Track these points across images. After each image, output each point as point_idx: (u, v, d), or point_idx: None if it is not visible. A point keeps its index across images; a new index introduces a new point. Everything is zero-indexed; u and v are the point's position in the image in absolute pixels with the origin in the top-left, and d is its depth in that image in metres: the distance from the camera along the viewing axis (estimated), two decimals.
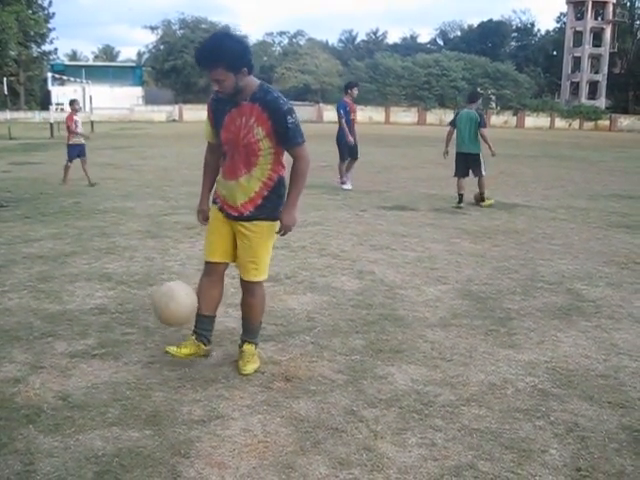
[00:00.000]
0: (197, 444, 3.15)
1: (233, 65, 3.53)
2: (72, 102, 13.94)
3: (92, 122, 40.37)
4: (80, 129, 13.65)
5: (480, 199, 11.07)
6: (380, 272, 6.34)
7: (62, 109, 61.07)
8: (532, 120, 66.06)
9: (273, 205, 3.87)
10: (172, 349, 3.98)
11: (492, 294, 5.72)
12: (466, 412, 3.53)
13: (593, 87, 77.60)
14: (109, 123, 47.09)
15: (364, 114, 69.76)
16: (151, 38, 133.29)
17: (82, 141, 13.77)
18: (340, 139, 13.11)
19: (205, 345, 4.09)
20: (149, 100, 67.87)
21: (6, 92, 45.33)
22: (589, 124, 66.15)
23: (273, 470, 2.95)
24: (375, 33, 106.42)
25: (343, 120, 12.99)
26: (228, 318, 4.94)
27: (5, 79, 45.16)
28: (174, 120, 59.53)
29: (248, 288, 4.05)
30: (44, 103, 68.46)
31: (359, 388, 3.80)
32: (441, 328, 4.85)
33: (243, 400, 3.63)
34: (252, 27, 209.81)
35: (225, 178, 3.88)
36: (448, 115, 71.45)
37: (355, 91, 13.13)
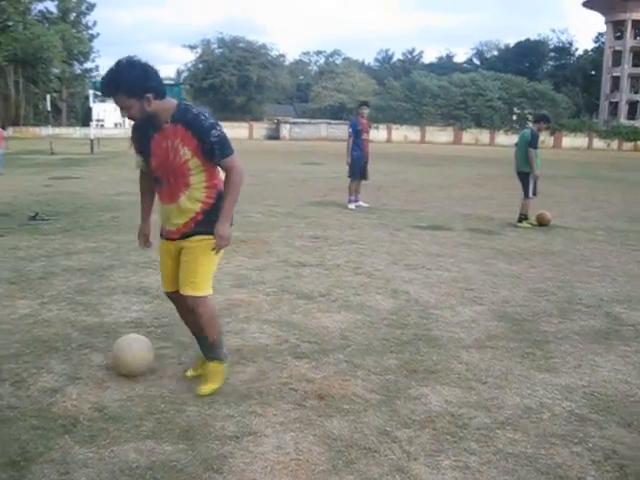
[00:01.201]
0: (230, 460, 3.16)
1: (133, 92, 3.46)
2: None
3: (130, 138, 40.89)
4: None
5: (518, 219, 10.99)
6: (415, 292, 6.31)
7: (102, 125, 62.11)
8: (570, 140, 65.58)
9: (213, 220, 3.75)
10: (190, 373, 4.16)
11: (528, 316, 5.65)
12: (501, 436, 3.48)
13: (632, 107, 76.85)
14: None
15: (399, 133, 69.91)
16: (190, 57, 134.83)
17: None
18: (352, 158, 13.07)
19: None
20: None
21: (49, 108, 46.11)
22: (628, 144, 65.46)
23: None
24: (411, 52, 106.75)
25: (350, 139, 13.04)
26: (262, 335, 4.96)
27: (48, 96, 46.01)
28: None
29: (188, 304, 3.89)
30: (85, 119, 69.71)
31: (393, 408, 3.77)
32: (476, 349, 4.80)
33: (276, 417, 3.62)
34: (289, 46, 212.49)
35: (164, 202, 3.83)
36: (484, 135, 71.41)
37: (363, 110, 13.18)
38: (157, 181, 3.81)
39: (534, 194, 10.97)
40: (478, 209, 13.15)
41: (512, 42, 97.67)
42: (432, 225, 10.80)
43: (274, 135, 69.72)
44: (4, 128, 21.15)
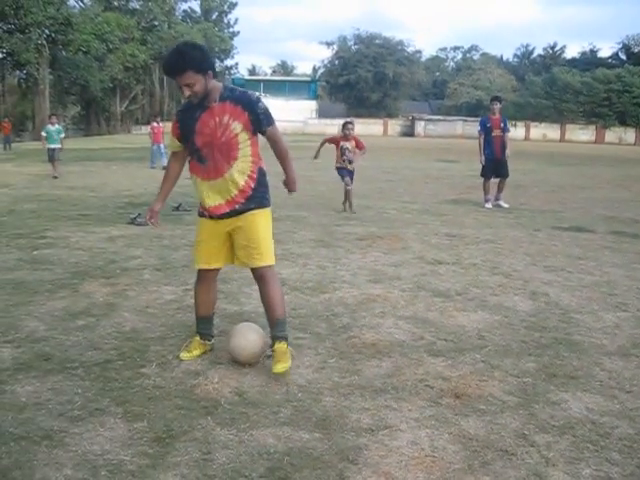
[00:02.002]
0: (365, 452, 3.18)
1: (200, 68, 3.78)
2: None
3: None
4: None
5: None
6: (554, 294, 6.11)
7: None
8: None
9: (261, 194, 4.12)
10: (185, 355, 4.30)
11: None
12: None
13: None
14: (284, 135, 48.46)
15: (538, 131, 67.80)
16: (326, 53, 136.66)
17: None
18: (485, 156, 12.70)
19: (210, 341, 4.45)
20: (322, 114, 69.58)
21: None
22: None
23: None
24: (553, 48, 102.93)
25: (481, 138, 12.67)
26: (398, 330, 4.96)
27: None
28: None
29: (260, 276, 4.20)
30: None
31: (531, 412, 3.67)
32: (619, 357, 4.58)
33: (411, 413, 3.62)
34: (426, 42, 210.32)
35: (209, 179, 4.06)
36: (629, 134, 67.98)
37: (494, 106, 12.72)
38: (201, 160, 4.05)
39: None
40: (622, 211, 12.53)
41: None
42: (573, 226, 10.40)
43: (408, 132, 69.43)
44: (158, 123, 21.88)
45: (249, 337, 4.19)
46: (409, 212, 11.53)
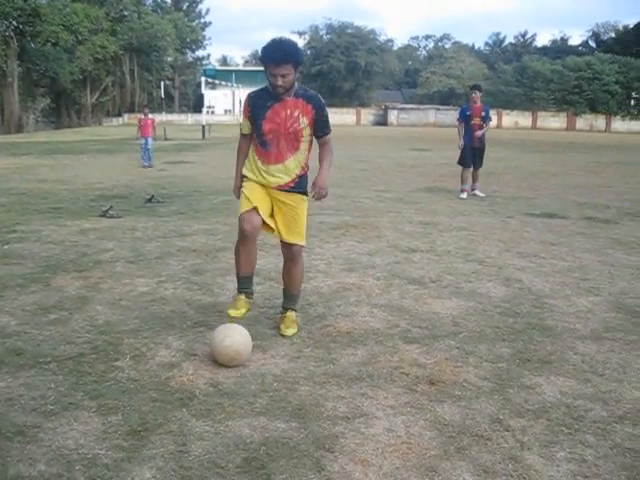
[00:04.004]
0: (341, 440, 3.18)
1: (297, 62, 4.19)
2: None
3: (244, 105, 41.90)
4: None
5: None
6: (528, 280, 6.15)
7: (213, 112, 63.63)
8: None
9: (304, 183, 4.56)
10: (233, 312, 4.46)
11: None
12: (619, 430, 3.35)
13: None
14: None
15: (510, 118, 68.22)
16: (298, 43, 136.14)
17: None
18: (464, 144, 12.56)
19: (251, 298, 4.66)
20: None
21: (162, 95, 47.66)
22: None
23: (416, 472, 2.92)
24: (524, 36, 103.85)
25: (461, 126, 12.58)
26: (373, 318, 4.97)
27: (162, 83, 47.63)
28: None
29: (292, 253, 4.62)
30: (196, 106, 71.69)
31: (505, 397, 3.70)
32: (592, 341, 4.63)
33: (387, 400, 3.63)
34: (398, 31, 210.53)
35: (269, 163, 4.42)
36: (599, 121, 68.66)
37: (474, 94, 12.53)
38: (264, 144, 4.40)
39: None
40: (594, 197, 12.67)
41: (631, 23, 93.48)
42: (545, 213, 10.49)
43: (381, 121, 69.52)
44: (145, 115, 19.76)
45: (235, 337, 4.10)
46: (383, 201, 11.54)
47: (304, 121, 4.33)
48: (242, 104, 4.58)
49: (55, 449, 3.06)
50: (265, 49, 4.19)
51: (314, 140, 4.52)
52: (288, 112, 4.29)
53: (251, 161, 4.51)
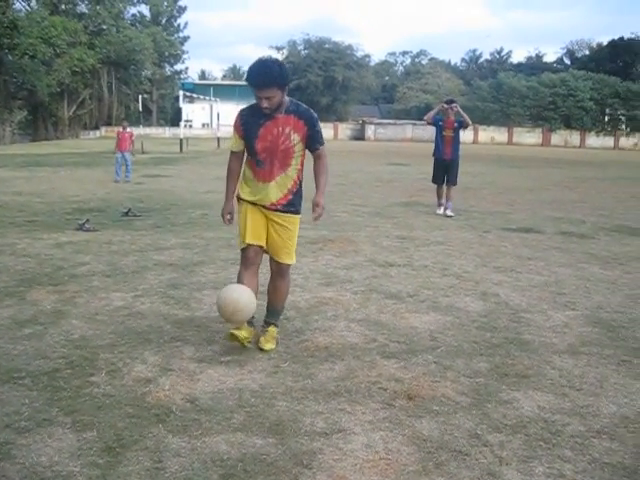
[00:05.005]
0: (319, 456, 3.16)
1: (283, 84, 4.19)
2: None
3: (218, 138, 41.80)
4: None
5: None
6: (505, 295, 6.19)
7: (191, 126, 63.61)
8: None
9: (298, 202, 4.58)
10: (235, 330, 4.43)
11: (624, 323, 5.45)
12: (597, 444, 3.36)
13: None
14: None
15: (486, 134, 68.88)
16: (278, 58, 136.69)
17: None
18: (434, 158, 12.25)
19: (252, 326, 4.72)
20: None
21: (140, 109, 47.50)
22: None
23: None
24: (499, 52, 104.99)
25: (437, 136, 12.11)
26: (350, 333, 4.96)
27: (140, 97, 47.50)
28: None
29: (281, 269, 4.66)
30: (174, 120, 71.54)
31: (483, 412, 3.70)
32: (569, 355, 4.66)
33: (365, 416, 3.61)
34: (374, 47, 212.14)
35: (263, 181, 4.44)
36: (574, 136, 69.53)
37: (448, 108, 11.94)
38: (258, 163, 4.43)
39: None
40: (569, 212, 12.79)
41: (605, 41, 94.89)
42: (522, 227, 10.56)
43: (359, 136, 69.83)
44: (124, 128, 19.24)
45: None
46: (360, 215, 11.56)
47: (295, 138, 4.35)
48: (233, 122, 4.51)
49: (29, 466, 3.00)
50: (250, 71, 4.21)
51: (307, 153, 4.53)
52: (280, 129, 4.32)
53: (246, 179, 4.55)
